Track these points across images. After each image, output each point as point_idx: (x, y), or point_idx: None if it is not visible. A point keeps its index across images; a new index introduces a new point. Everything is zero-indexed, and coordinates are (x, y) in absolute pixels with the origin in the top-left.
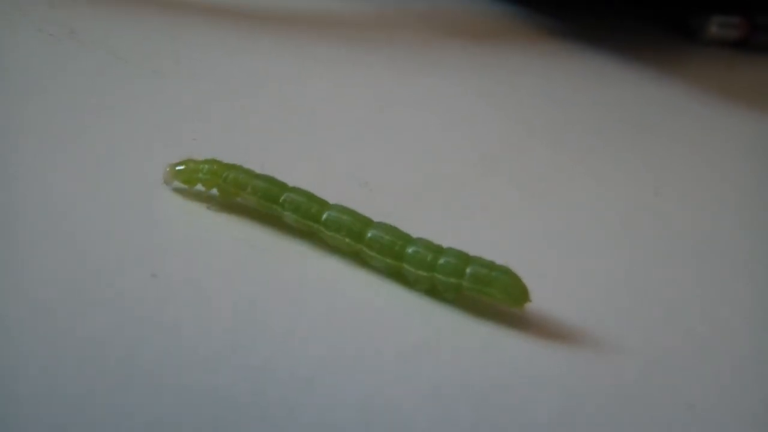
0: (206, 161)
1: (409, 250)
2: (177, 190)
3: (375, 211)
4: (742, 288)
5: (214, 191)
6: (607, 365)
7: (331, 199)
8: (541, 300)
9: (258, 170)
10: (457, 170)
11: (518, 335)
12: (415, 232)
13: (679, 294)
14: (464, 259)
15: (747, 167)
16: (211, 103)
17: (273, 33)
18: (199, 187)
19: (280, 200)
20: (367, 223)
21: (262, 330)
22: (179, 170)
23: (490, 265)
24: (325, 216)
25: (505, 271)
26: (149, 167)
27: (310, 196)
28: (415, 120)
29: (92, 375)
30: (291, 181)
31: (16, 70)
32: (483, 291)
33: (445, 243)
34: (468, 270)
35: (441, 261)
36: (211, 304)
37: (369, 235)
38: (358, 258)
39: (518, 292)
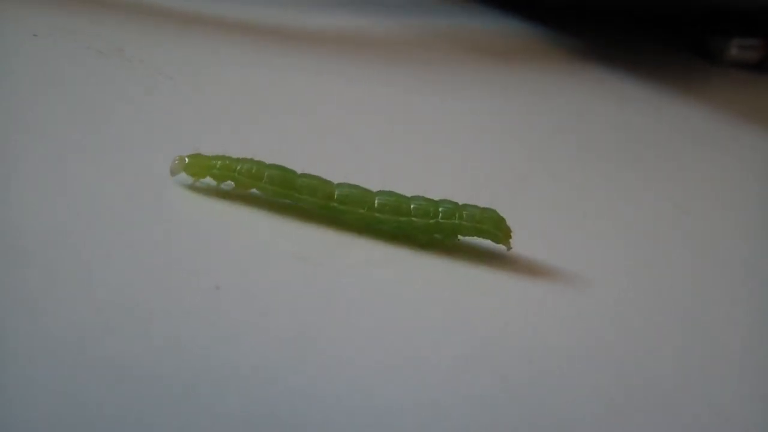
0: (218, 156)
1: (413, 205)
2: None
3: None
4: (760, 295)
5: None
6: (631, 367)
7: None
8: (572, 303)
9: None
10: (491, 184)
11: (553, 332)
12: None
13: (697, 300)
14: (457, 206)
15: (765, 184)
16: (252, 117)
17: (307, 51)
18: (209, 180)
19: (297, 185)
20: (372, 193)
21: (319, 338)
22: (188, 163)
23: (479, 208)
24: (337, 193)
25: (493, 210)
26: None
27: (322, 180)
28: (441, 136)
29: (162, 381)
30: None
31: (66, 85)
32: (477, 228)
33: None
34: (464, 213)
35: (441, 209)
36: (271, 316)
37: (377, 201)
38: (370, 229)
39: (504, 227)
